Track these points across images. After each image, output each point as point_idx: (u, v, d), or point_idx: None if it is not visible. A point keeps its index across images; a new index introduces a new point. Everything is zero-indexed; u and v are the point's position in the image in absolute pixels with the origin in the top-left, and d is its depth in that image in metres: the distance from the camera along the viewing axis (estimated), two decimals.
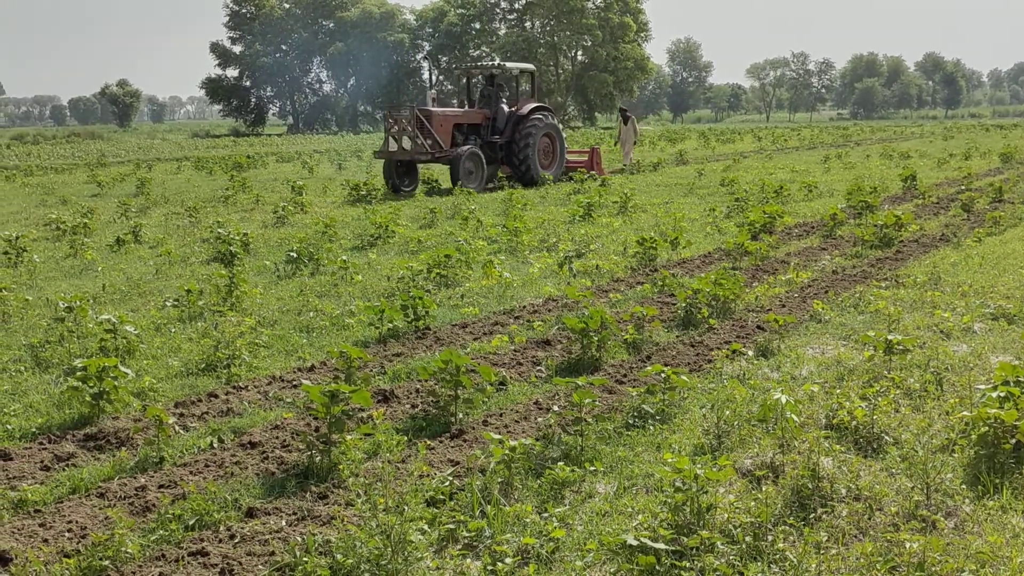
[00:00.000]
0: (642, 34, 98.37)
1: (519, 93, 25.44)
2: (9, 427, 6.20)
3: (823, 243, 13.51)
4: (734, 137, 52.03)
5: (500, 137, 24.02)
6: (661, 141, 49.05)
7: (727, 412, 5.89)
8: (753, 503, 4.65)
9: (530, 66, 26.55)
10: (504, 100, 24.51)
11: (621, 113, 30.03)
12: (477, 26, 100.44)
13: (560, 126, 25.69)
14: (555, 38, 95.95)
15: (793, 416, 5.43)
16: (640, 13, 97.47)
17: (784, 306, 9.46)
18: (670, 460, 4.73)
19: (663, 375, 6.33)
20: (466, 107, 25.09)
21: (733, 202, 17.33)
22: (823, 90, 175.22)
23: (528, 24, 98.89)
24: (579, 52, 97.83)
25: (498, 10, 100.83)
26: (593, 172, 25.13)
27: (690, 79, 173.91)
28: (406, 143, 22.45)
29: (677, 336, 8.45)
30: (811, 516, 4.67)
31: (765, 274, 11.16)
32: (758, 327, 8.58)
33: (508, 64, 25.01)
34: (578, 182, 22.34)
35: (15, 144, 63.73)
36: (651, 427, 6.06)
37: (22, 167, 36.06)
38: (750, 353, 7.63)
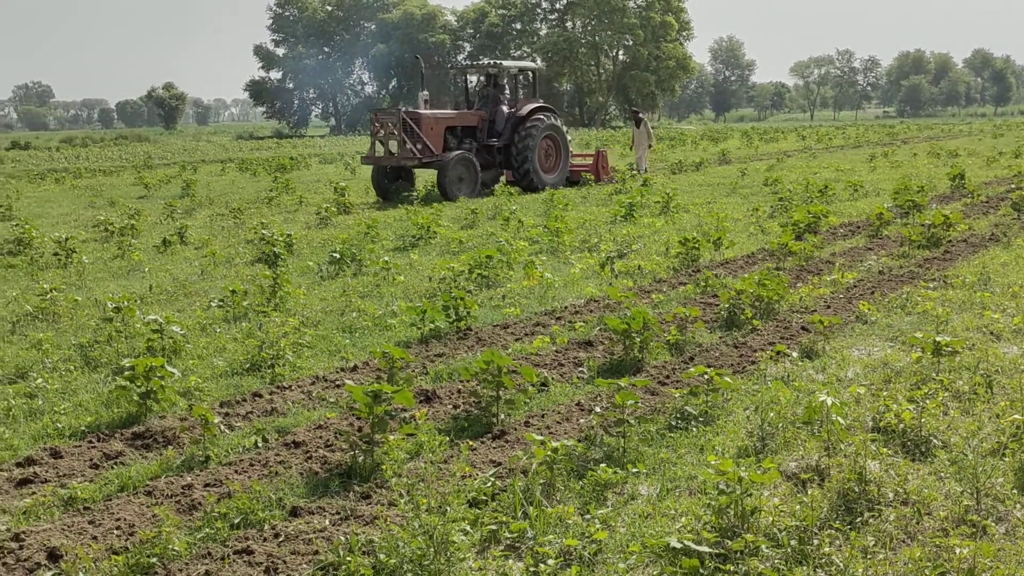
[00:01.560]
0: (684, 33, 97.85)
1: (519, 93, 24.17)
2: (59, 425, 6.32)
3: (869, 243, 13.33)
4: (778, 136, 51.54)
5: (499, 140, 22.77)
6: (703, 141, 48.74)
7: (771, 414, 5.83)
8: (798, 506, 4.60)
9: (531, 64, 25.25)
10: (504, 101, 23.44)
11: (633, 115, 27.99)
12: (518, 26, 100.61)
13: (565, 128, 24.23)
14: (596, 38, 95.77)
15: (839, 418, 5.36)
16: (682, 12, 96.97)
17: (829, 307, 9.34)
18: (713, 462, 4.69)
19: (706, 376, 6.28)
20: (464, 108, 23.81)
21: (777, 202, 17.16)
22: (869, 88, 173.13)
23: (569, 24, 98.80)
24: (620, 51, 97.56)
25: (539, 10, 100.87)
26: (593, 176, 23.98)
27: (733, 78, 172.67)
28: (393, 147, 21.40)
29: (720, 337, 8.38)
30: (858, 520, 4.61)
31: (810, 275, 11.04)
32: (803, 328, 8.48)
33: (505, 63, 23.70)
34: (619, 182, 22.22)
35: (64, 147, 64.91)
36: (694, 429, 6.02)
37: (71, 169, 36.72)
38: (794, 355, 7.54)
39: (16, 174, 35.67)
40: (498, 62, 23.53)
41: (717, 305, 9.27)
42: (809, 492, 4.80)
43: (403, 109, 21.67)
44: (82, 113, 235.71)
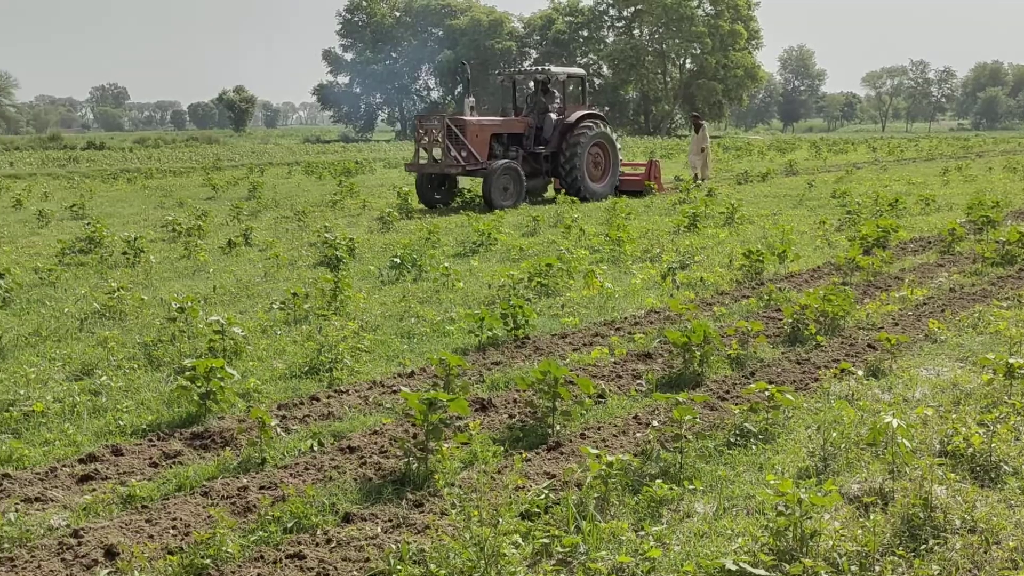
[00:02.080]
0: (753, 41, 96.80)
1: (567, 99, 23.66)
2: (121, 423, 6.42)
3: (940, 259, 12.98)
4: (847, 147, 50.62)
5: (546, 147, 22.29)
6: (770, 151, 48.10)
7: (834, 434, 5.68)
8: (860, 531, 4.46)
9: (579, 70, 24.62)
10: (553, 108, 22.91)
11: (693, 121, 27.14)
12: (585, 34, 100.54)
13: (615, 135, 23.57)
14: (663, 46, 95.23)
15: (904, 441, 5.19)
16: (752, 20, 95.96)
17: (897, 324, 9.10)
18: (773, 482, 4.58)
19: (767, 393, 6.15)
20: (511, 115, 23.35)
21: (845, 215, 16.82)
22: (943, 99, 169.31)
23: (636, 32, 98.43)
24: (688, 60, 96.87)
25: (606, 18, 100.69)
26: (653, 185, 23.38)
27: (802, 87, 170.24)
28: (437, 154, 21.01)
29: (783, 353, 8.22)
30: (922, 547, 4.46)
31: (877, 290, 10.78)
32: (869, 346, 8.27)
33: (554, 68, 23.28)
34: (683, 191, 22.00)
35: (137, 148, 66.44)
36: (753, 447, 5.90)
37: (143, 170, 37.56)
38: (860, 373, 7.35)
39: (91, 174, 36.61)
40: (546, 68, 23.07)
41: (780, 320, 9.09)
42: (872, 516, 4.66)
43: (447, 115, 21.37)
44: (155, 115, 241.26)
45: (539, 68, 23.11)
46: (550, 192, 23.25)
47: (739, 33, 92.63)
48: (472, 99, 22.50)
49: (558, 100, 23.29)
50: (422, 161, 21.34)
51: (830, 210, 18.73)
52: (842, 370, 7.24)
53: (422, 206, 21.47)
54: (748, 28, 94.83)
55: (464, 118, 21.36)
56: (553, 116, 22.54)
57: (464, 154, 20.74)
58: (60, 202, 23.40)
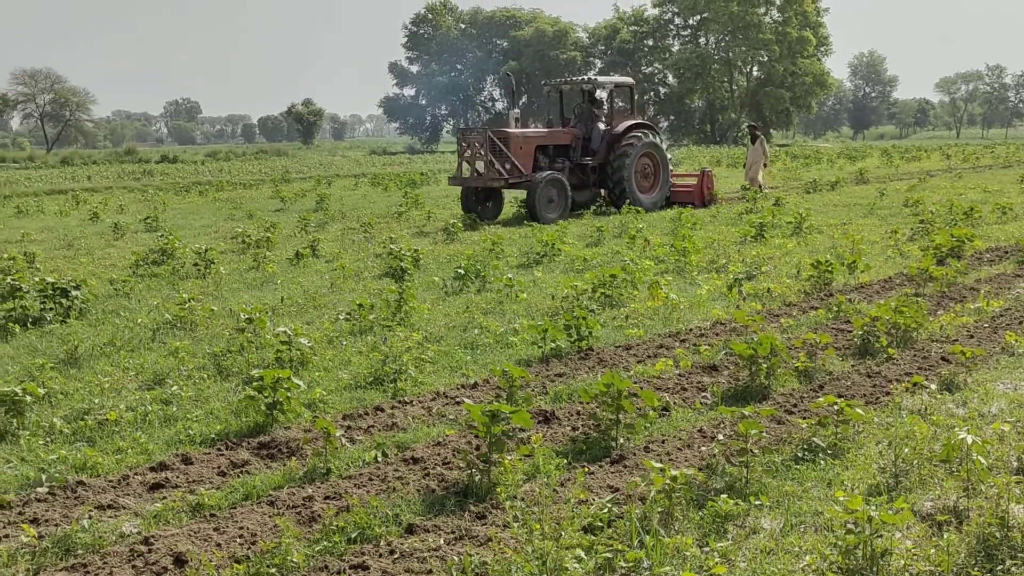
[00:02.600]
0: (822, 48, 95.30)
1: (611, 109, 23.06)
2: (191, 432, 6.55)
3: (1018, 269, 12.60)
4: (920, 155, 49.55)
5: (593, 159, 21.85)
6: (840, 159, 47.30)
7: (906, 450, 5.54)
8: (933, 551, 4.34)
9: (627, 79, 24.01)
10: (600, 118, 22.43)
11: (750, 131, 26.29)
12: (650, 43, 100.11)
13: (665, 146, 23.10)
14: (730, 54, 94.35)
15: (980, 457, 5.04)
16: (820, 27, 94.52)
17: (972, 337, 8.85)
18: (842, 499, 4.48)
19: (836, 407, 6.02)
20: (559, 126, 22.88)
21: (917, 224, 16.45)
22: (1021, 104, 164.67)
23: (702, 40, 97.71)
24: (755, 67, 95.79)
25: (672, 26, 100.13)
26: (697, 199, 22.74)
27: (873, 94, 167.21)
28: (480, 167, 20.60)
29: (852, 366, 8.05)
30: (998, 568, 4.31)
31: (952, 302, 10.51)
32: (943, 359, 8.06)
33: (600, 78, 22.79)
34: (750, 200, 21.71)
35: (209, 161, 67.94)
36: (822, 462, 5.78)
37: (214, 183, 38.36)
38: (933, 387, 7.16)
39: (164, 187, 37.52)
40: (592, 77, 22.61)
41: (850, 332, 8.91)
42: (945, 536, 4.53)
43: (489, 128, 20.98)
44: (227, 128, 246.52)
45: (585, 78, 22.70)
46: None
47: (807, 40, 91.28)
48: (517, 111, 22.20)
49: (606, 110, 22.84)
50: (465, 175, 21.04)
51: (902, 219, 18.34)
52: (915, 384, 7.07)
53: (471, 218, 20.86)
54: (817, 34, 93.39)
55: (507, 130, 21.07)
56: (601, 126, 22.15)
57: (508, 167, 20.44)
58: (135, 215, 24.02)
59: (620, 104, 24.12)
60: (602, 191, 22.34)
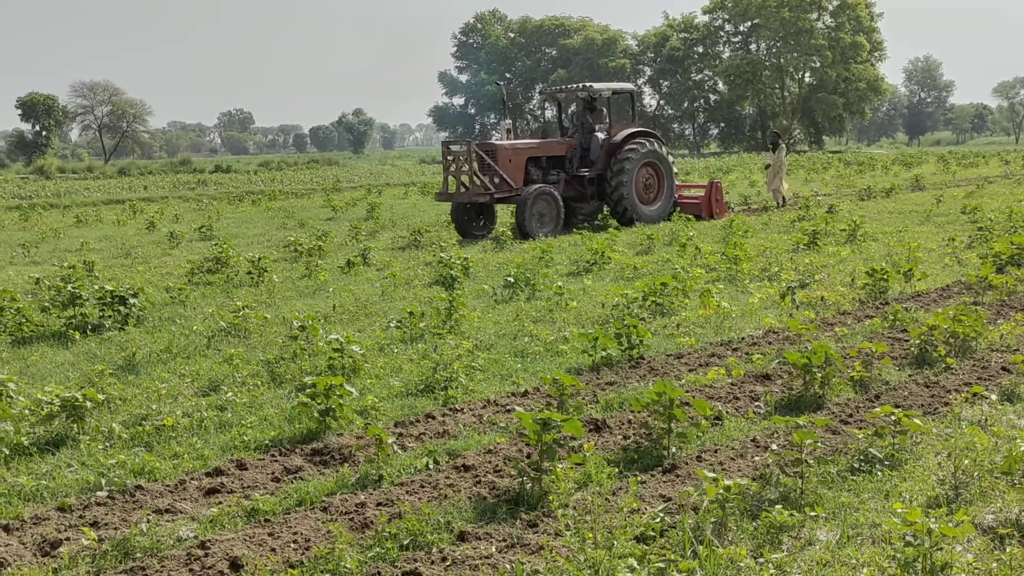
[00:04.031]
0: (876, 53, 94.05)
1: (612, 118, 21.82)
2: (246, 438, 6.63)
3: None
4: (978, 161, 48.58)
5: (591, 169, 20.70)
6: (895, 165, 46.57)
7: (966, 461, 5.42)
8: (995, 564, 4.25)
9: (627, 85, 22.62)
10: (600, 127, 21.27)
11: (772, 138, 24.97)
12: (700, 50, 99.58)
13: (671, 156, 21.73)
14: (781, 60, 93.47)
15: None
16: (874, 32, 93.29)
17: None
18: (900, 511, 4.40)
19: (893, 417, 5.92)
20: (558, 136, 21.91)
21: (976, 231, 16.12)
22: None
23: (753, 46, 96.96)
24: (807, 73, 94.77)
25: (722, 33, 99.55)
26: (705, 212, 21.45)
27: (928, 99, 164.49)
28: (466, 182, 19.61)
29: (909, 375, 7.91)
30: None
31: (1012, 310, 10.28)
32: (1003, 369, 7.88)
33: (596, 85, 21.41)
34: (803, 208, 21.42)
35: (261, 170, 68.93)
36: (878, 473, 5.68)
37: (267, 192, 38.89)
38: (993, 397, 7.01)
39: (218, 196, 38.14)
40: (588, 85, 21.42)
41: (906, 341, 8.76)
42: (1008, 549, 4.42)
43: (473, 141, 19.98)
44: (279, 138, 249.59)
45: (581, 85, 21.47)
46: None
47: (861, 45, 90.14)
48: (509, 121, 21.51)
49: (605, 119, 21.61)
50: (451, 190, 19.99)
51: (959, 226, 17.99)
52: (974, 394, 6.92)
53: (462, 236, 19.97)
54: (871, 39, 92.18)
55: (494, 143, 20.16)
56: (600, 136, 21.04)
57: (497, 180, 19.39)
58: (190, 224, 24.44)
59: (621, 111, 22.69)
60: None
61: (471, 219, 20.26)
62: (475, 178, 19.31)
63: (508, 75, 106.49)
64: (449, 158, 19.97)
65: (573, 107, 22.45)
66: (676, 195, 21.89)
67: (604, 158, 20.69)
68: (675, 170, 21.90)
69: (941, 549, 4.21)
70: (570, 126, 22.14)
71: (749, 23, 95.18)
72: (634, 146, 20.58)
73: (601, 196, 20.87)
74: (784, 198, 24.24)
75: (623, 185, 20.29)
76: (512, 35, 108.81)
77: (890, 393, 7.38)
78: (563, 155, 20.83)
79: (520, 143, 20.55)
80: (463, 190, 19.63)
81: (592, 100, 21.39)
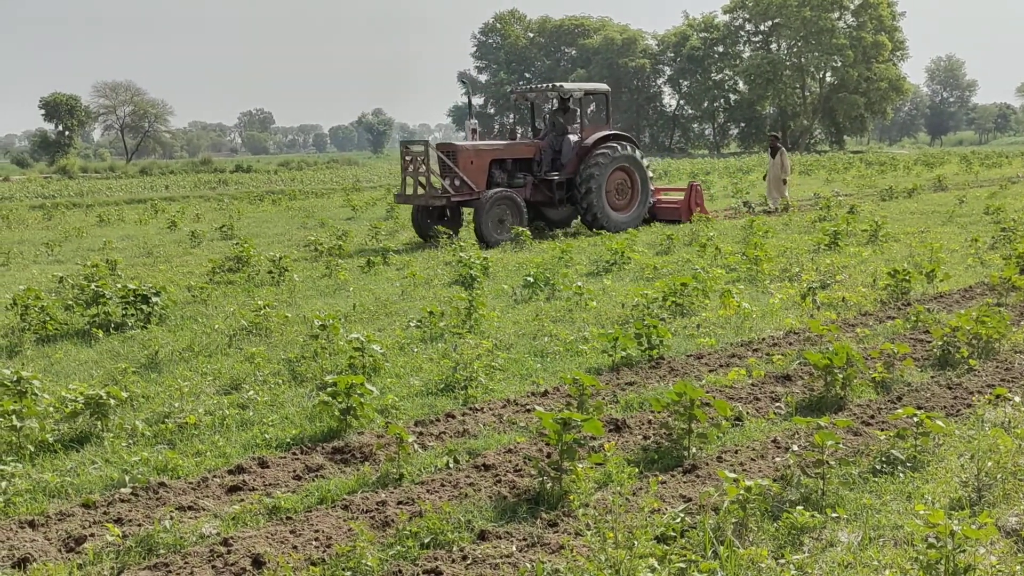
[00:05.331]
0: (898, 53, 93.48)
1: (583, 119, 21.01)
2: (267, 436, 6.67)
3: None
4: (1001, 161, 48.16)
5: (561, 173, 19.79)
6: (917, 166, 46.25)
7: (989, 463, 5.39)
8: (1019, 567, 4.23)
9: (601, 86, 21.70)
10: (573, 129, 20.47)
11: (770, 142, 24.24)
12: (720, 49, 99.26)
13: (645, 160, 20.64)
14: (802, 59, 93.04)
15: None
16: (896, 31, 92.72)
17: None
18: (922, 512, 4.38)
19: (915, 419, 5.89)
20: (530, 137, 21.21)
21: (999, 232, 15.99)
22: None
23: (774, 46, 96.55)
24: (828, 73, 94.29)
25: (742, 32, 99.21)
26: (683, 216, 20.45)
27: (951, 99, 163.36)
28: (433, 182, 18.87)
29: (932, 377, 7.86)
30: None
31: None
32: None
33: (568, 85, 20.54)
34: (823, 208, 21.28)
35: (282, 170, 69.17)
36: (901, 475, 5.65)
37: (287, 192, 39.04)
38: (1017, 399, 6.95)
39: (239, 196, 38.31)
40: (559, 85, 20.44)
41: (929, 342, 8.71)
42: None
43: (429, 142, 19.26)
44: (299, 138, 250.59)
45: (551, 85, 20.54)
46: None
47: (883, 44, 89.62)
48: (474, 121, 20.69)
49: (578, 120, 20.81)
50: (408, 192, 19.23)
51: (982, 227, 17.85)
52: (997, 396, 6.87)
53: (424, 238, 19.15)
54: (893, 39, 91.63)
55: (454, 143, 19.41)
56: (573, 138, 20.18)
57: (457, 183, 18.61)
58: (211, 223, 24.58)
59: (594, 112, 21.83)
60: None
61: (433, 222, 19.17)
62: (434, 179, 18.69)
63: (527, 75, 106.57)
64: (408, 158, 19.20)
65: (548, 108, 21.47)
66: (654, 199, 21.15)
67: (575, 161, 19.87)
68: (651, 175, 21.05)
69: (964, 551, 4.19)
70: (543, 128, 21.32)
71: (770, 22, 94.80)
72: (606, 150, 19.75)
73: (572, 201, 20.03)
74: (787, 204, 23.28)
75: (592, 190, 19.42)
76: (531, 35, 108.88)
77: (912, 394, 7.34)
78: (531, 158, 19.95)
79: (483, 144, 19.73)
80: (421, 192, 18.99)
81: (564, 101, 20.54)
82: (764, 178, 25.72)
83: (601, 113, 22.70)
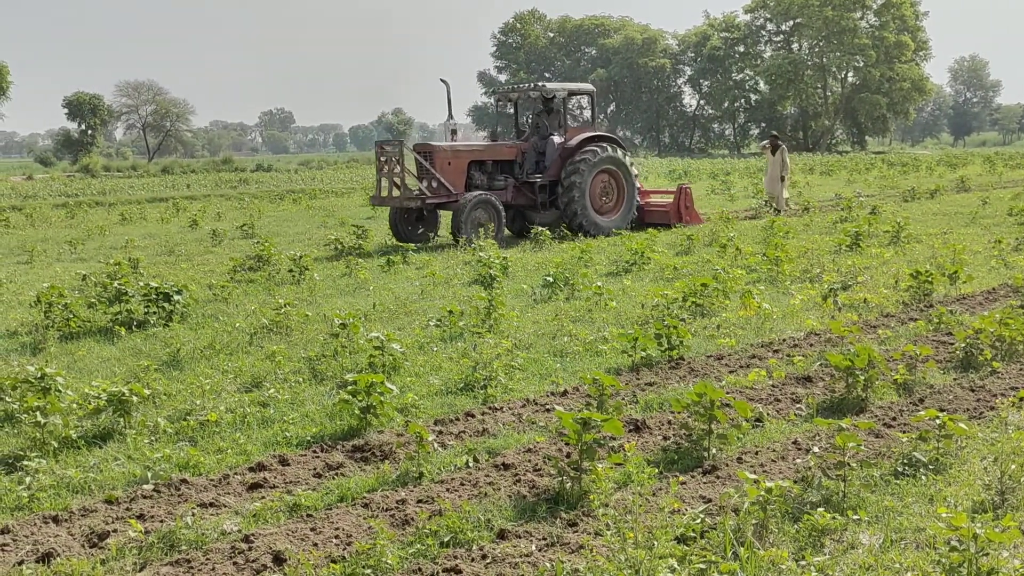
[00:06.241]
0: (921, 52, 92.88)
1: (566, 120, 20.30)
2: (288, 434, 6.71)
3: None
4: None
5: (544, 175, 19.26)
6: (940, 166, 45.92)
7: (1012, 466, 5.34)
8: None
9: (585, 86, 21.10)
10: (557, 130, 19.87)
11: (771, 140, 23.64)
12: (741, 49, 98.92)
13: (630, 162, 19.98)
14: (824, 59, 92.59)
15: None
16: (919, 31, 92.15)
17: None
18: (945, 515, 4.36)
19: (938, 421, 5.85)
20: (514, 138, 20.60)
21: (1023, 233, 15.85)
22: None
23: (795, 46, 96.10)
24: (850, 73, 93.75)
25: (763, 32, 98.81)
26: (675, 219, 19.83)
27: (975, 99, 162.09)
28: (411, 183, 18.48)
29: (954, 379, 7.80)
30: None
31: None
32: None
33: (551, 85, 19.96)
34: (844, 209, 21.15)
35: (302, 169, 69.47)
36: (923, 477, 5.62)
37: (307, 191, 39.21)
38: None
39: (259, 195, 38.51)
40: (541, 84, 19.90)
41: (951, 344, 8.64)
42: None
43: (403, 142, 18.64)
44: (319, 137, 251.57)
45: (532, 85, 19.93)
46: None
47: (905, 44, 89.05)
48: (454, 121, 19.88)
49: (562, 121, 20.16)
50: (384, 193, 18.62)
51: (1006, 229, 17.71)
52: (1021, 398, 6.82)
53: (401, 241, 18.69)
54: (915, 39, 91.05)
55: (431, 143, 18.89)
56: (557, 139, 19.59)
57: (435, 184, 18.20)
58: (232, 222, 24.72)
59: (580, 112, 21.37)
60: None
61: (410, 224, 18.83)
62: (404, 180, 18.24)
63: (547, 74, 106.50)
64: (382, 159, 18.57)
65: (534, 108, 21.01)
66: (642, 202, 20.62)
67: (558, 163, 19.27)
68: (637, 177, 20.37)
69: (987, 555, 4.16)
70: (526, 129, 20.79)
71: (791, 22, 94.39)
72: (589, 152, 19.16)
73: (555, 204, 19.42)
74: (786, 205, 22.93)
75: (575, 193, 18.86)
76: (551, 35, 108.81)
77: (934, 397, 7.29)
78: (512, 159, 19.49)
79: (461, 145, 19.26)
80: (396, 193, 18.43)
81: (547, 101, 19.97)
82: (765, 176, 24.99)
83: (586, 113, 22.01)
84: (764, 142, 23.35)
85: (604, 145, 19.52)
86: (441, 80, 19.54)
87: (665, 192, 22.27)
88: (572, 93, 20.56)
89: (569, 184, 18.87)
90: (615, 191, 19.80)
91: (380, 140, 19.24)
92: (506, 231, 19.43)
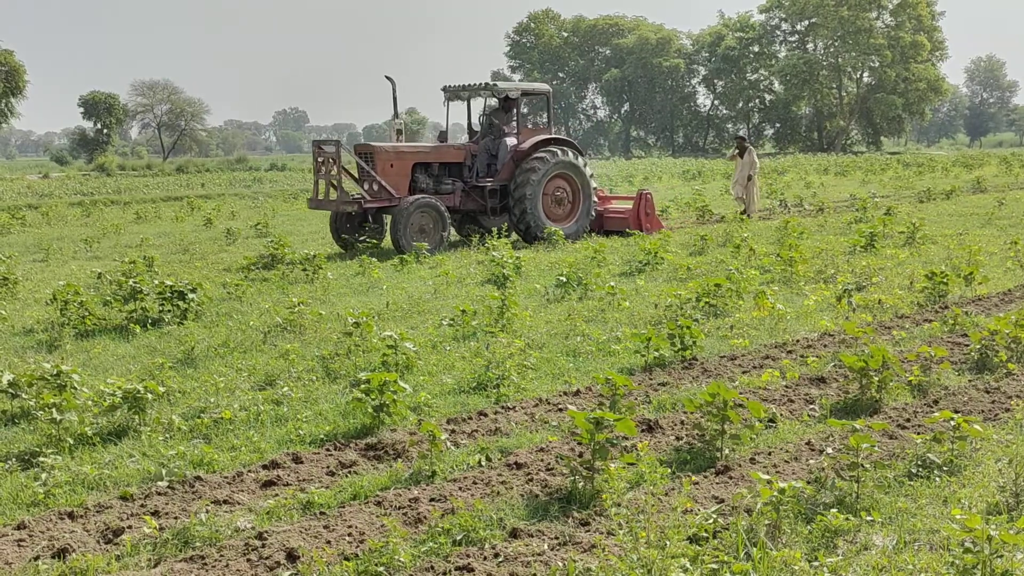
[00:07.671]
0: (937, 53, 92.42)
1: (521, 122, 19.33)
2: (301, 432, 6.73)
3: None
4: None
5: (495, 179, 18.23)
6: (955, 167, 45.67)
7: None
8: None
9: (541, 86, 20.00)
10: (511, 132, 18.76)
11: (738, 142, 23.00)
12: (756, 49, 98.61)
13: (586, 166, 18.72)
14: (839, 59, 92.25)
15: None
16: (935, 31, 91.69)
17: None
18: (959, 517, 4.34)
19: (952, 422, 5.83)
20: (466, 139, 19.66)
21: None
22: None
23: (810, 46, 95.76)
24: (865, 73, 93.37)
25: (778, 32, 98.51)
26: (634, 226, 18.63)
27: (991, 100, 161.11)
28: (351, 186, 17.62)
29: (969, 380, 7.77)
30: None
31: None
32: None
33: (503, 84, 18.85)
34: (859, 210, 21.04)
35: None
36: (937, 478, 5.60)
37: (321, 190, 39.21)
38: None
39: (273, 194, 38.62)
40: (494, 84, 18.73)
41: (966, 345, 8.61)
42: None
43: (339, 143, 17.66)
44: (333, 136, 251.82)
45: (485, 83, 18.74)
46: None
47: (921, 44, 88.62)
48: (399, 121, 18.91)
49: (516, 122, 19.10)
50: (320, 196, 17.74)
51: (1022, 230, 17.61)
52: None
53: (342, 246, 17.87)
54: (931, 39, 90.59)
55: (372, 144, 17.80)
56: (510, 142, 18.49)
57: (375, 187, 17.24)
58: (246, 220, 24.80)
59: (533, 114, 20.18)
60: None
61: (354, 229, 17.93)
62: (340, 183, 17.42)
63: (561, 74, 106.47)
64: (320, 160, 17.63)
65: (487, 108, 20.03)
66: (601, 208, 19.60)
67: (510, 166, 18.19)
68: (594, 183, 19.22)
69: (1001, 556, 4.14)
70: (480, 130, 19.49)
71: (806, 22, 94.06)
72: (543, 155, 18.03)
73: (504, 209, 18.41)
74: (754, 208, 22.33)
75: (527, 198, 17.75)
76: (565, 34, 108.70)
77: (949, 398, 7.26)
78: (460, 162, 18.43)
79: (404, 146, 18.11)
80: (334, 196, 17.52)
81: (500, 101, 18.91)
82: (732, 179, 24.09)
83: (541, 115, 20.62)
84: (733, 149, 22.81)
85: (559, 148, 18.42)
86: (386, 77, 18.43)
87: (626, 198, 21.19)
88: (526, 93, 19.54)
89: (521, 189, 17.83)
90: (570, 198, 18.71)
91: (317, 140, 18.42)
92: (455, 237, 18.89)
